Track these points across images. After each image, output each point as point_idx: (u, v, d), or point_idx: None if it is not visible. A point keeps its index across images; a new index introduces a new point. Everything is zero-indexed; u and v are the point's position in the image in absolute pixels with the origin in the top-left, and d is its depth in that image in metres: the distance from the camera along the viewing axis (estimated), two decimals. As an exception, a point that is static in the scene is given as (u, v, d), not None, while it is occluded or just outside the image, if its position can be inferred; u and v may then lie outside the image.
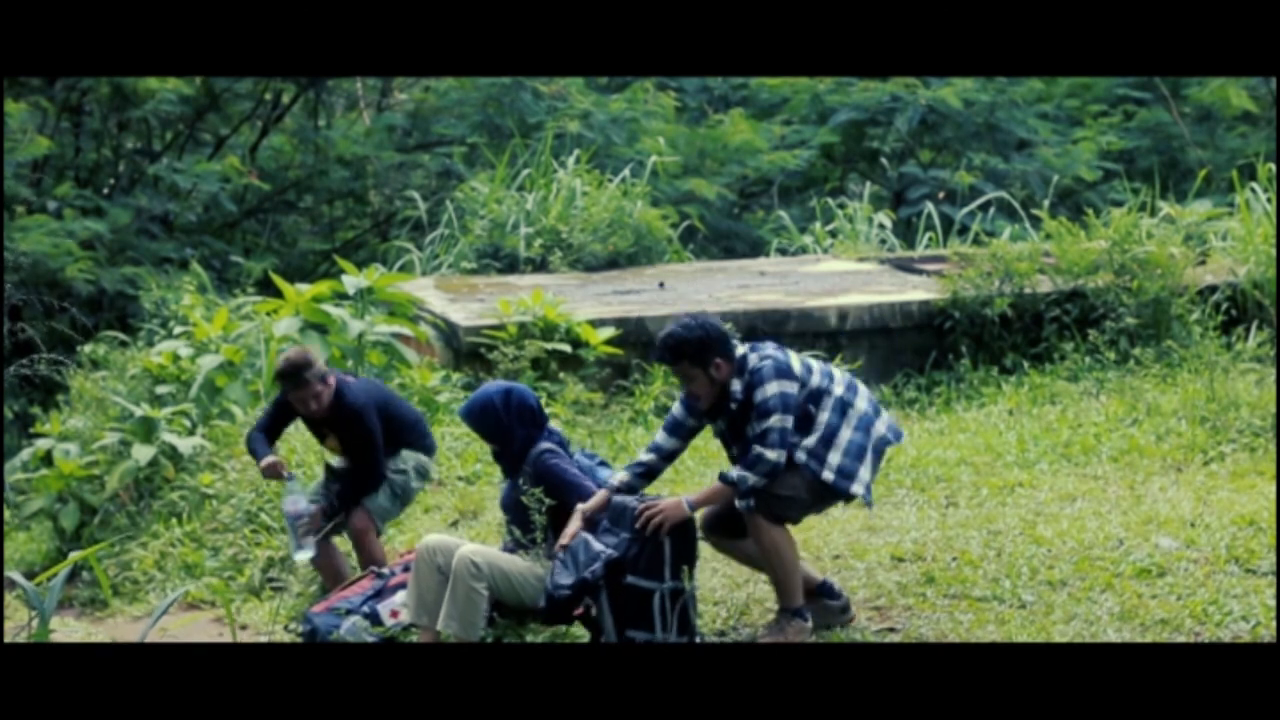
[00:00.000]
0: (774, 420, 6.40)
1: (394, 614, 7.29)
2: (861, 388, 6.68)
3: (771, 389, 6.43)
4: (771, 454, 6.39)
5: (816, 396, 6.53)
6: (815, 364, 6.64)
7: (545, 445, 6.93)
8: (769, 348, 6.60)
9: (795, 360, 6.57)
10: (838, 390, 6.56)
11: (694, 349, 6.47)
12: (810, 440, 6.50)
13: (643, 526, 6.40)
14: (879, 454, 6.63)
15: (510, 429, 6.98)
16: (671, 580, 6.43)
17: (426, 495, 9.27)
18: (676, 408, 6.68)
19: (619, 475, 6.67)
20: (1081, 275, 11.52)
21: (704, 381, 6.49)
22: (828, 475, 6.47)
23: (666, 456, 6.67)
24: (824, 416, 6.51)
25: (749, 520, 6.50)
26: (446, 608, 6.76)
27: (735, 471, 6.45)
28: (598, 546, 6.46)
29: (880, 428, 6.62)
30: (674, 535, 6.43)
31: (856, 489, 6.52)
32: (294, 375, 7.87)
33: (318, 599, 7.89)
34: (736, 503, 6.49)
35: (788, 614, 6.55)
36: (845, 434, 6.52)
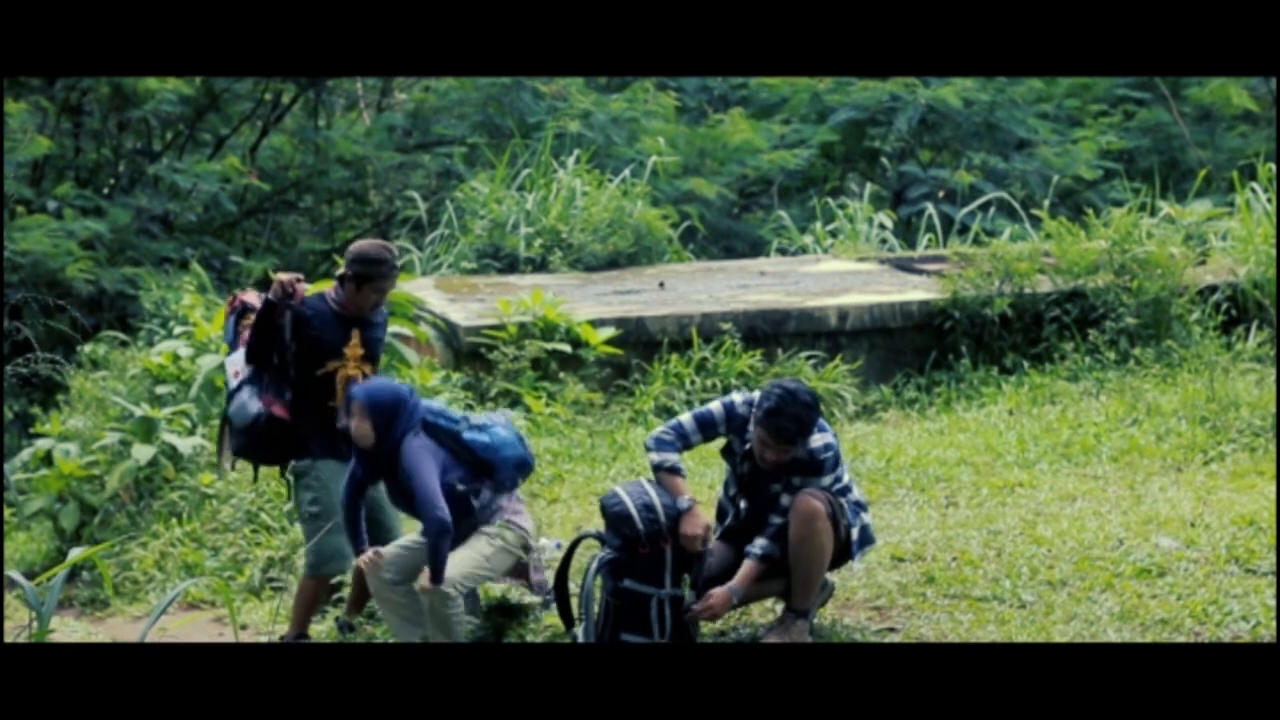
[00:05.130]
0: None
1: (236, 373, 7.26)
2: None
3: (828, 478, 6.51)
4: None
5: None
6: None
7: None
8: (831, 434, 6.58)
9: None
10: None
11: (810, 427, 6.40)
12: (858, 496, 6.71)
13: (651, 542, 6.39)
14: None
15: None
16: (671, 588, 6.42)
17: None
18: (718, 409, 6.62)
19: (668, 458, 6.54)
20: (1081, 275, 11.53)
21: (787, 452, 6.44)
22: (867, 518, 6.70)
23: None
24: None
25: (806, 513, 6.40)
26: (430, 630, 6.71)
27: (760, 545, 6.48)
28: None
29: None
30: (675, 543, 6.43)
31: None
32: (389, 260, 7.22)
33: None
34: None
35: (795, 614, 6.54)
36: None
